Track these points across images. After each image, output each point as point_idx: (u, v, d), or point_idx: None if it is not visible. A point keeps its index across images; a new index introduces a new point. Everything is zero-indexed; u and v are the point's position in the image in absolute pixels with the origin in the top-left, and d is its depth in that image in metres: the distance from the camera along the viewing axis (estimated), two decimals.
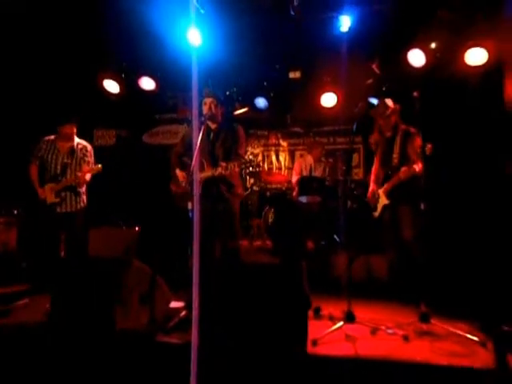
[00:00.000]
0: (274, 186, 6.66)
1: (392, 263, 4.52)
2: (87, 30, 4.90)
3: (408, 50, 4.57)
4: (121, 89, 5.36)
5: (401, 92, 3.96)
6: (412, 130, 3.76)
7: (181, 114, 6.38)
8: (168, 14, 4.78)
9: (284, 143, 7.18)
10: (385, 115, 3.84)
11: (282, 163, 7.17)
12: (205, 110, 3.60)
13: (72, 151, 4.28)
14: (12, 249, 4.79)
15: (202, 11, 4.60)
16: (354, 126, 3.49)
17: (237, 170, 3.38)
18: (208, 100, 3.63)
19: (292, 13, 4.40)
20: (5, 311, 3.42)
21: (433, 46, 4.53)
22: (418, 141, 3.48)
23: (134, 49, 5.14)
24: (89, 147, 4.41)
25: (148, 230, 4.97)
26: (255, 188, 6.34)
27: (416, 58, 4.59)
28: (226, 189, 3.59)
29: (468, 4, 4.19)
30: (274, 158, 7.20)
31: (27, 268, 4.34)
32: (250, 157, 7.18)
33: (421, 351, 2.64)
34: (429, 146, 3.14)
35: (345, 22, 4.59)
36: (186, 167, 3.67)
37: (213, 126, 3.69)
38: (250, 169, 6.26)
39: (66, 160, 4.24)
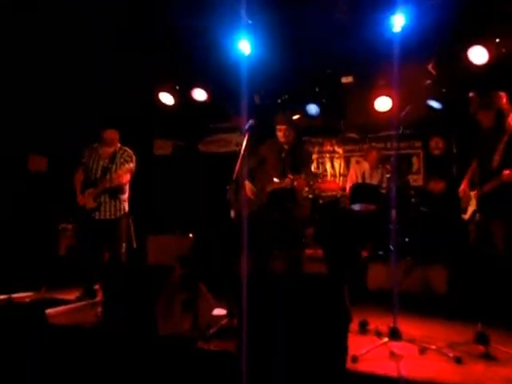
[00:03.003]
0: (328, 193, 6.51)
1: (456, 276, 4.24)
2: (144, 45, 5.17)
3: (468, 48, 4.25)
4: (175, 100, 5.57)
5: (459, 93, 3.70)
6: None
7: (234, 122, 6.49)
8: (218, 25, 4.92)
9: (339, 150, 7.01)
10: (492, 107, 3.39)
11: (337, 170, 7.00)
12: (279, 136, 3.95)
13: (113, 156, 4.27)
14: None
15: (250, 22, 4.68)
16: (400, 130, 3.29)
17: (302, 183, 3.57)
18: (282, 127, 3.91)
19: (337, 15, 4.28)
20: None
21: (497, 41, 4.17)
22: None
23: (187, 61, 5.33)
24: (130, 152, 4.37)
25: (201, 237, 5.10)
26: (310, 196, 6.25)
27: (478, 55, 4.27)
28: (292, 201, 3.80)
29: None
30: (328, 165, 7.06)
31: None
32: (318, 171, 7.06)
33: (474, 376, 2.41)
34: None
35: (397, 22, 4.40)
36: (254, 180, 3.98)
37: (286, 146, 3.97)
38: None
39: (106, 164, 4.23)
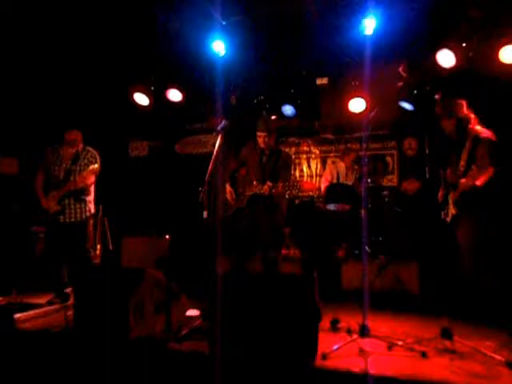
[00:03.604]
0: (304, 193, 6.57)
1: (427, 274, 4.34)
2: (117, 46, 5.12)
3: (436, 51, 4.36)
4: (150, 101, 5.53)
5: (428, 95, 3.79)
6: (483, 134, 3.33)
7: (210, 123, 6.49)
8: (192, 26, 4.91)
9: (315, 150, 7.07)
10: (452, 116, 3.45)
11: (314, 171, 7.07)
12: (259, 142, 3.99)
13: (76, 157, 4.18)
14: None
15: (224, 22, 4.69)
16: (369, 130, 3.36)
17: (280, 190, 3.61)
18: (262, 134, 3.94)
19: (309, 18, 4.34)
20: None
21: (463, 45, 4.29)
22: (482, 148, 3.23)
23: (162, 61, 5.30)
24: (94, 152, 4.28)
25: (176, 239, 5.09)
26: (286, 196, 6.29)
27: (446, 58, 4.38)
28: (270, 205, 3.86)
29: (498, 1, 3.95)
30: (305, 165, 7.12)
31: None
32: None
33: (438, 370, 2.47)
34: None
35: (369, 25, 4.49)
36: (235, 183, 4.04)
37: (267, 151, 4.00)
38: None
39: (69, 166, 4.14)
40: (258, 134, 3.96)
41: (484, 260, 3.32)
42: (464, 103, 3.43)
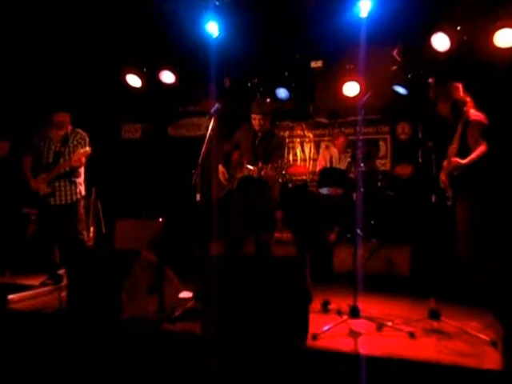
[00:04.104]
0: (297, 177, 6.59)
1: (417, 257, 4.40)
2: (109, 26, 5.03)
3: (431, 35, 4.34)
4: (143, 83, 5.47)
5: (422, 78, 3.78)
6: (473, 116, 3.38)
7: (204, 105, 6.43)
8: (186, 6, 4.83)
9: (309, 134, 7.06)
10: (449, 99, 3.50)
11: (307, 155, 7.06)
12: (254, 124, 3.94)
13: (65, 139, 4.15)
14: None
15: (217, 3, 4.61)
16: (362, 114, 3.36)
17: (269, 172, 3.58)
18: (257, 116, 3.90)
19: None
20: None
21: (458, 28, 4.27)
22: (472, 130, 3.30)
23: (155, 43, 5.23)
24: (83, 134, 4.26)
25: (169, 221, 5.09)
26: (280, 180, 6.29)
27: (440, 42, 4.36)
28: (261, 188, 3.84)
29: None
30: (299, 149, 7.11)
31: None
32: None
33: (425, 349, 2.54)
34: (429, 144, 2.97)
35: (364, 8, 4.44)
36: (228, 164, 4.01)
37: (259, 133, 3.96)
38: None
39: (58, 148, 4.12)
40: (253, 116, 3.93)
41: (478, 244, 3.38)
42: (460, 86, 3.47)
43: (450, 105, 3.44)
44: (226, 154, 4.09)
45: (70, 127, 4.25)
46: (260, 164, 3.67)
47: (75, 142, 4.18)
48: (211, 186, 4.11)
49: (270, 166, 3.58)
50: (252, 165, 3.78)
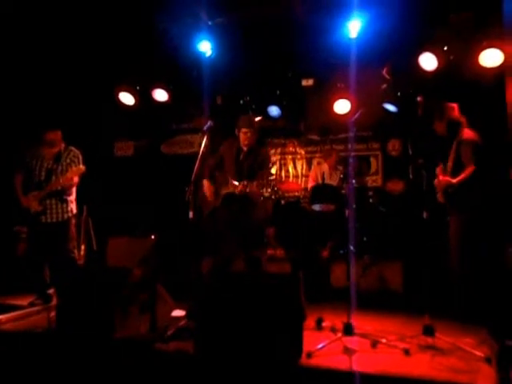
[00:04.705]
0: (290, 194, 6.61)
1: (410, 273, 4.42)
2: (103, 45, 5.09)
3: (419, 55, 4.45)
4: (136, 100, 5.50)
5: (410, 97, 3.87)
6: (465, 135, 3.51)
7: (196, 123, 6.48)
8: (178, 26, 4.91)
9: (301, 151, 7.12)
10: (443, 118, 3.63)
11: (299, 171, 7.11)
12: (243, 139, 3.90)
13: (58, 157, 4.15)
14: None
15: (210, 23, 4.70)
16: (354, 132, 3.43)
17: (254, 189, 3.53)
18: (247, 130, 3.87)
19: (295, 19, 4.38)
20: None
21: (445, 48, 4.38)
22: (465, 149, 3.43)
23: (147, 61, 5.28)
24: (77, 152, 4.25)
25: (162, 239, 5.06)
26: (272, 197, 6.31)
27: (428, 61, 4.47)
28: (245, 205, 3.77)
29: (480, 5, 4.05)
30: (291, 166, 7.16)
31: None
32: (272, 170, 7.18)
33: (420, 366, 2.53)
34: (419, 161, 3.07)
35: (353, 28, 4.55)
36: (214, 181, 3.93)
37: (245, 148, 3.92)
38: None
39: (50, 166, 4.11)
40: (243, 130, 3.88)
41: (468, 257, 3.47)
42: (456, 106, 3.61)
43: (446, 124, 3.58)
44: (211, 169, 4.02)
45: (62, 145, 4.25)
46: (245, 182, 3.62)
47: (68, 161, 4.17)
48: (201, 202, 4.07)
49: (255, 183, 3.53)
50: (237, 181, 3.72)
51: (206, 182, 3.95)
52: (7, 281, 4.55)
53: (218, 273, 3.73)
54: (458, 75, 4.47)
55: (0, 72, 5.15)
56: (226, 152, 3.98)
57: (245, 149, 3.93)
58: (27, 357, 2.84)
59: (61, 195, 4.12)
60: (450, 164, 3.57)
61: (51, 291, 4.00)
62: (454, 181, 3.44)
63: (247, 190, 3.58)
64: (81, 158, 4.25)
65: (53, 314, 3.18)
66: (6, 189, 5.37)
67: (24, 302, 4.01)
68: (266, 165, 3.93)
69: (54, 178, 4.09)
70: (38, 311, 3.74)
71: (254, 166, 3.84)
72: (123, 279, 3.10)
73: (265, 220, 4.07)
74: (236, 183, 3.69)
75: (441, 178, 3.54)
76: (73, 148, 4.28)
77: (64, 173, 4.07)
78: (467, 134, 3.51)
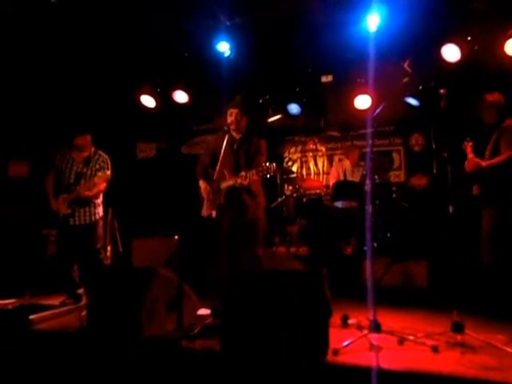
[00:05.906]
0: (312, 191, 6.59)
1: (436, 269, 4.35)
2: (123, 48, 5.18)
3: (441, 46, 4.36)
4: (157, 103, 5.59)
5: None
6: (507, 122, 3.48)
7: (217, 123, 6.52)
8: (197, 27, 4.95)
9: (322, 148, 7.10)
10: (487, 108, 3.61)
11: (321, 168, 7.09)
12: (229, 119, 3.68)
13: (88, 161, 4.26)
14: None
15: (228, 23, 4.72)
16: (375, 127, 3.40)
17: (255, 178, 3.36)
18: (234, 111, 3.67)
19: (313, 16, 4.35)
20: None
21: (469, 39, 4.28)
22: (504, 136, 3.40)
23: (167, 63, 5.35)
24: (105, 157, 4.35)
25: (185, 239, 5.12)
26: (294, 194, 6.30)
27: (451, 53, 4.38)
28: (249, 198, 3.60)
29: None
30: (312, 163, 7.14)
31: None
32: (289, 163, 7.19)
33: (449, 363, 2.48)
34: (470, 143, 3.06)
35: (372, 22, 4.49)
36: (210, 178, 3.72)
37: (237, 137, 3.74)
38: (284, 176, 6.25)
39: (80, 169, 4.21)
40: (230, 110, 3.65)
41: (501, 252, 3.39)
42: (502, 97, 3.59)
43: (496, 112, 3.54)
44: (205, 167, 3.84)
45: (92, 149, 4.35)
46: (244, 172, 3.41)
47: (97, 166, 4.27)
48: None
49: (254, 171, 3.33)
50: (235, 173, 3.52)
51: (202, 184, 3.79)
52: (38, 282, 4.69)
53: (237, 271, 3.60)
54: (483, 66, 4.36)
55: (32, 80, 5.32)
56: (217, 147, 3.65)
57: (237, 137, 3.70)
58: (61, 356, 2.92)
59: (89, 200, 4.21)
60: (487, 153, 3.51)
61: (81, 291, 4.11)
62: (484, 163, 3.37)
63: (246, 181, 3.37)
64: (109, 162, 4.35)
65: (83, 313, 3.26)
66: (33, 192, 5.57)
67: (55, 301, 4.13)
68: (262, 151, 3.67)
69: (83, 181, 4.18)
70: (70, 311, 3.84)
71: (250, 155, 3.64)
72: (150, 279, 3.15)
73: (263, 218, 3.76)
74: (235, 176, 3.48)
75: (470, 156, 3.46)
76: (102, 153, 4.38)
77: (93, 177, 4.15)
78: (510, 121, 3.49)
